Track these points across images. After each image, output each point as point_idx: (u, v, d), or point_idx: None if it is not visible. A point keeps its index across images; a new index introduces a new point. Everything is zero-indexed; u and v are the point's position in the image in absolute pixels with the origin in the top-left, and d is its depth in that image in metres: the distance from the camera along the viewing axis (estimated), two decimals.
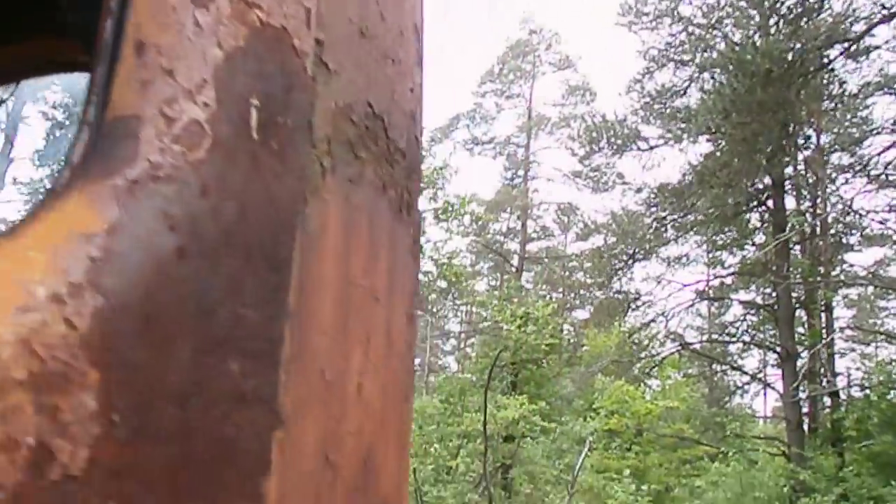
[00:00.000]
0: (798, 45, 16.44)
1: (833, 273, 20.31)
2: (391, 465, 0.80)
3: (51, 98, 21.83)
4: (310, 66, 0.69)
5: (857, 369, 21.65)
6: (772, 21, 17.77)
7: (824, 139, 20.35)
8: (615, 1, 20.76)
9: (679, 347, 22.61)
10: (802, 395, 18.08)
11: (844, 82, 18.05)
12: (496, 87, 34.25)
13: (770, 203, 20.09)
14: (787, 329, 18.98)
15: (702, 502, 17.77)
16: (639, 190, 22.30)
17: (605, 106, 34.75)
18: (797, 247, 20.29)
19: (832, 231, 20.91)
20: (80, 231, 0.50)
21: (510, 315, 20.12)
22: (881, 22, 15.94)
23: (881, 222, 20.06)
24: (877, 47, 17.46)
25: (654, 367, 21.81)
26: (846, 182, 19.83)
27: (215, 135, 0.60)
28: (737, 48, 17.58)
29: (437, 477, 15.26)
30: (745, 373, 23.99)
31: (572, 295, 35.25)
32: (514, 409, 16.27)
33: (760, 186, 20.08)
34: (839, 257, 21.64)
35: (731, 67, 17.41)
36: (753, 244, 21.87)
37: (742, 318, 23.77)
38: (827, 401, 19.76)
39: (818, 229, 20.13)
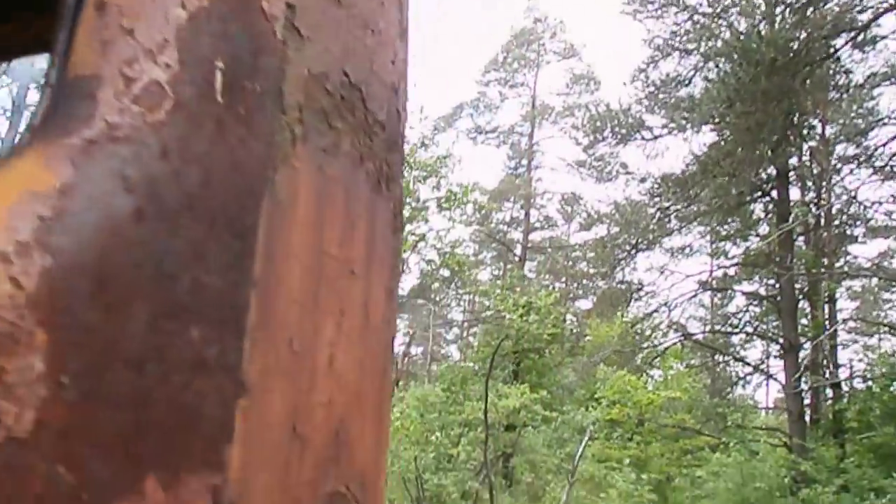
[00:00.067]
0: (804, 35, 16.31)
1: (837, 264, 20.21)
2: (367, 439, 0.79)
3: None
4: (279, 31, 0.68)
5: (860, 361, 21.56)
6: (777, 10, 17.62)
7: (829, 129, 20.24)
8: None
9: (681, 338, 22.58)
10: (804, 387, 18.05)
11: (850, 72, 17.90)
12: (500, 76, 34.14)
13: (774, 193, 20.00)
14: (789, 320, 18.94)
15: (702, 492, 17.80)
16: (642, 180, 22.22)
17: (610, 95, 34.56)
18: (801, 238, 20.20)
19: (836, 222, 20.80)
20: (31, 190, 0.49)
21: (513, 304, 20.15)
22: (888, 11, 15.79)
23: (886, 213, 20.01)
24: (883, 37, 17.32)
25: (656, 358, 21.80)
26: (851, 173, 19.73)
27: (177, 96, 0.58)
28: (742, 37, 17.45)
29: (438, 465, 15.30)
30: (748, 364, 23.95)
31: (575, 285, 35.26)
32: (516, 398, 16.31)
33: (764, 177, 19.97)
34: (843, 248, 21.54)
35: (735, 56, 17.27)
36: (757, 235, 21.78)
37: (745, 308, 23.72)
38: (829, 392, 19.73)
39: (822, 220, 20.04)
